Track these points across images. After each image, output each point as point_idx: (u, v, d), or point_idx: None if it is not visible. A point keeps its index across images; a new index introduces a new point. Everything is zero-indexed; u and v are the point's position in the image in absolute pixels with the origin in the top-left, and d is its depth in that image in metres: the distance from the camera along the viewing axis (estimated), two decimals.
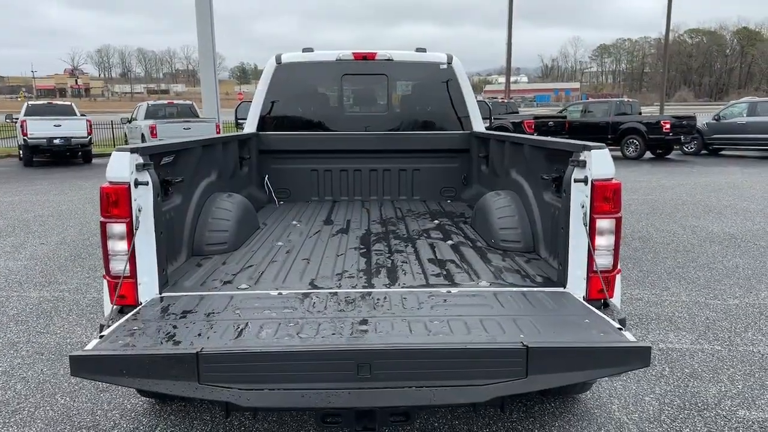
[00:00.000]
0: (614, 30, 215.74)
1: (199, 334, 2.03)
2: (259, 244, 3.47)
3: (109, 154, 2.36)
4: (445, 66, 5.16)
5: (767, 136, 19.15)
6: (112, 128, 24.91)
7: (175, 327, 2.12)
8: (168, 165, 2.91)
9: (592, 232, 2.40)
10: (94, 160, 18.82)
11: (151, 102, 20.20)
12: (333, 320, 2.16)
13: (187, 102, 19.93)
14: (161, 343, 1.97)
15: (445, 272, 2.85)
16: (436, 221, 4.20)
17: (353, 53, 5.09)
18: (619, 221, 2.42)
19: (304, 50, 5.20)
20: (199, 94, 20.75)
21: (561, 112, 23.12)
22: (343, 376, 1.89)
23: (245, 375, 1.86)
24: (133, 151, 2.42)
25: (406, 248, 3.36)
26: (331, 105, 5.23)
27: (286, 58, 5.11)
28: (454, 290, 2.55)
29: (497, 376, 1.91)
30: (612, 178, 2.42)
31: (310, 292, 2.53)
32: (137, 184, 2.42)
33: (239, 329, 2.08)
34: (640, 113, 21.94)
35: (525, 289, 2.57)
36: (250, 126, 5.10)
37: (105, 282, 2.71)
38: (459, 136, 5.15)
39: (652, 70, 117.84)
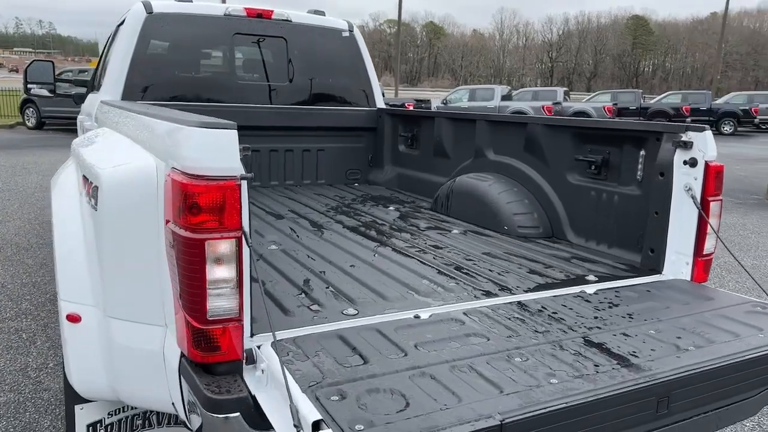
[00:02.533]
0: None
1: (455, 396, 1.41)
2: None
3: None
4: (347, 34, 4.64)
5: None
6: None
7: (396, 385, 1.44)
8: None
9: (705, 215, 2.36)
10: None
11: None
12: (558, 347, 1.71)
13: None
14: (422, 414, 1.31)
15: (527, 269, 2.53)
16: (391, 208, 3.77)
17: (245, 9, 4.24)
18: (722, 203, 2.42)
19: None
20: None
21: None
22: (642, 418, 1.52)
23: None
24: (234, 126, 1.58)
25: (432, 242, 2.92)
26: (220, 71, 4.28)
27: (158, 7, 4.01)
28: (588, 289, 2.26)
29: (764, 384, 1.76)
30: (715, 160, 2.40)
31: (457, 310, 1.99)
32: (242, 177, 1.60)
33: (481, 378, 1.51)
34: (383, 95, 23.41)
35: (639, 280, 2.41)
36: (109, 92, 3.89)
37: (161, 329, 1.79)
38: (366, 113, 4.71)
39: None
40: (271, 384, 1.56)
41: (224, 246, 1.55)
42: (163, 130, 1.73)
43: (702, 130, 2.37)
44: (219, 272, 1.56)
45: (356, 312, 1.97)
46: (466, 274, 2.43)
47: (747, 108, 26.63)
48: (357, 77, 4.69)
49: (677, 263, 2.46)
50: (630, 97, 26.05)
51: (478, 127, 3.66)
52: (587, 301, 2.13)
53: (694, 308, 2.08)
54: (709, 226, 2.37)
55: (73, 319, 1.98)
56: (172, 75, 4.10)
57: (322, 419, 1.29)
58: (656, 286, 2.32)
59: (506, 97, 23.66)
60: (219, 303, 1.58)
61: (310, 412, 1.31)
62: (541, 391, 1.45)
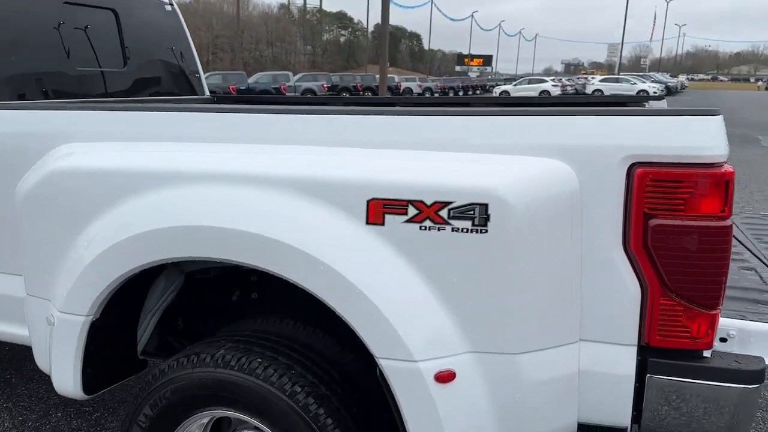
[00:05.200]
0: None
1: None
2: None
3: None
4: (170, 8, 3.77)
5: None
6: None
7: None
8: None
9: None
10: None
11: None
12: None
13: None
14: None
15: None
16: None
17: None
18: None
19: None
20: None
21: None
22: None
23: None
24: None
25: None
26: (55, 55, 2.95)
27: None
28: None
29: None
30: None
31: None
32: None
33: None
34: None
35: None
36: None
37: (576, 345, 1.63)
38: (203, 101, 3.96)
39: None
40: (746, 345, 1.70)
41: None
42: (628, 122, 1.55)
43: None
44: None
45: None
46: None
47: (277, 86, 30.41)
48: (185, 60, 3.93)
49: None
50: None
51: None
52: None
53: None
54: None
55: (446, 377, 1.58)
56: None
57: None
58: None
59: None
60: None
61: None
62: None
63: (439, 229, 1.55)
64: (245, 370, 1.71)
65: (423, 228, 1.56)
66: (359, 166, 1.64)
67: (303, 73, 36.28)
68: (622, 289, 1.59)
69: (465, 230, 1.53)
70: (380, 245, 1.58)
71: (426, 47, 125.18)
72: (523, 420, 1.64)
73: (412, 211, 1.56)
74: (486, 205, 1.51)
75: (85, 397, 1.98)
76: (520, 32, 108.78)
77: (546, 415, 1.65)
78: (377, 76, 41.55)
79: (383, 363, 1.57)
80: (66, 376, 1.93)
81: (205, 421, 1.91)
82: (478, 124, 1.65)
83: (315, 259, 1.58)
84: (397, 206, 1.56)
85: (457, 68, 78.24)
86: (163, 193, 1.72)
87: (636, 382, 1.63)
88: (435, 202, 1.54)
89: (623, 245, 1.57)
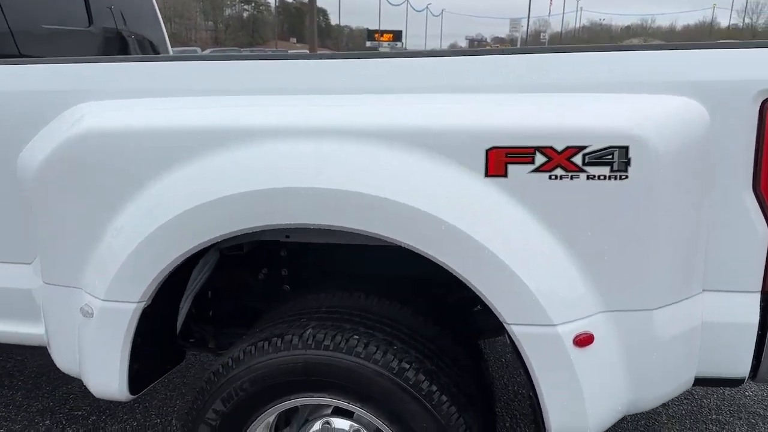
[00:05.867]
0: None
1: None
2: None
3: None
4: None
5: None
6: None
7: None
8: None
9: None
10: None
11: None
12: None
13: None
14: None
15: None
16: None
17: None
18: None
19: None
20: None
21: None
22: None
23: None
24: None
25: None
26: (18, 12, 2.49)
27: None
28: None
29: None
30: None
31: None
32: None
33: None
34: None
35: None
36: None
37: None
38: None
39: None
40: None
41: None
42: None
43: None
44: None
45: None
46: None
47: None
48: (151, 22, 3.52)
49: None
50: None
51: None
52: None
53: None
54: None
55: (585, 341, 1.44)
56: None
57: None
58: None
59: None
60: None
61: None
62: None
63: (572, 178, 1.39)
64: (342, 350, 1.50)
65: (553, 177, 1.39)
66: (473, 111, 1.44)
67: (212, 49, 34.73)
68: (750, 234, 1.50)
69: (602, 177, 1.38)
70: (504, 200, 1.41)
71: (332, 23, 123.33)
72: (653, 378, 1.54)
73: (539, 159, 1.39)
74: (626, 148, 1.37)
75: (131, 397, 1.69)
76: (427, 7, 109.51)
77: (673, 371, 1.56)
78: (290, 51, 40.45)
79: (516, 329, 1.41)
80: (109, 375, 1.63)
81: (271, 419, 1.69)
82: (603, 61, 1.50)
83: (436, 218, 1.38)
84: (522, 154, 1.39)
85: (368, 44, 77.57)
86: (253, 151, 1.45)
87: (758, 330, 1.56)
88: (567, 148, 1.38)
89: (753, 187, 1.48)
